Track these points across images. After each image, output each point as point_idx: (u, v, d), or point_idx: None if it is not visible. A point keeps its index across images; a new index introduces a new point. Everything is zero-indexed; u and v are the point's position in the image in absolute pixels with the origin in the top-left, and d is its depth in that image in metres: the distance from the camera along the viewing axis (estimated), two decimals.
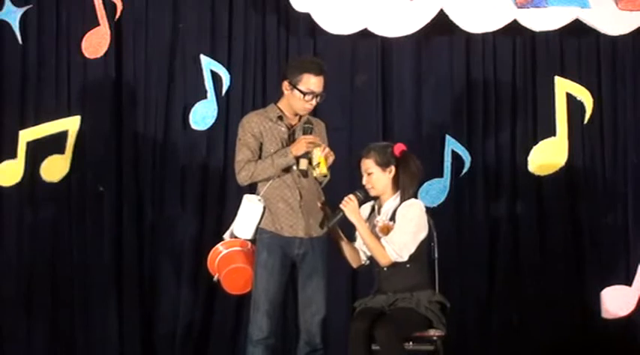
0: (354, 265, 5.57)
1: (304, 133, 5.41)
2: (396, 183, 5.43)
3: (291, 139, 5.43)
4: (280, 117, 5.45)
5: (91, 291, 6.72)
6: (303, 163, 5.37)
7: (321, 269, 5.44)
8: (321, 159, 5.33)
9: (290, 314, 5.75)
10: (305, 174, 5.40)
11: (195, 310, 6.70)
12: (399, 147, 5.45)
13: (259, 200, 5.39)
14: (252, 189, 5.55)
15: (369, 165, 5.43)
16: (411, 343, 5.34)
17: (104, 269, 6.73)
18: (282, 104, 5.48)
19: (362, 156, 5.47)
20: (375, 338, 5.18)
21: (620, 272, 6.66)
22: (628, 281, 6.65)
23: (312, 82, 5.40)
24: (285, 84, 5.45)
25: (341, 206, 5.36)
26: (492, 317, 6.68)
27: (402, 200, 5.39)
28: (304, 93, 5.39)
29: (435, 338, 5.36)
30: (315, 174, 5.39)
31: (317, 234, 5.44)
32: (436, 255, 5.59)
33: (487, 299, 6.69)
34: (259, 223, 5.39)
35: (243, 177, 5.39)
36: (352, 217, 5.36)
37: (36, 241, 6.74)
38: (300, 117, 5.49)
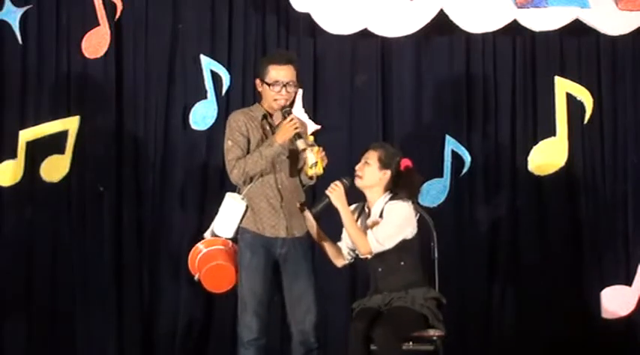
0: (338, 265, 5.58)
1: (283, 117, 5.34)
2: (387, 188, 5.44)
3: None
4: (265, 116, 5.43)
5: (91, 291, 6.72)
6: (302, 143, 5.28)
7: (307, 268, 5.40)
8: (319, 158, 5.29)
9: (282, 316, 5.72)
10: (303, 153, 5.28)
11: (195, 310, 6.70)
12: (405, 162, 5.47)
13: (242, 199, 5.36)
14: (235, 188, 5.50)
15: (371, 156, 5.46)
16: (410, 343, 5.34)
17: (104, 269, 6.73)
18: (264, 104, 5.46)
19: (370, 146, 5.51)
20: (373, 338, 5.19)
21: (620, 272, 6.66)
22: (628, 281, 6.65)
23: (276, 73, 5.37)
24: (257, 82, 5.44)
25: (327, 192, 5.36)
26: (492, 317, 6.68)
27: (392, 198, 5.41)
28: (270, 85, 5.37)
29: (434, 338, 5.37)
30: (310, 173, 5.32)
31: (299, 234, 5.42)
32: (436, 255, 5.60)
33: (487, 299, 6.69)
34: (240, 222, 5.36)
35: (236, 175, 5.35)
36: (338, 203, 5.36)
37: (36, 241, 6.74)
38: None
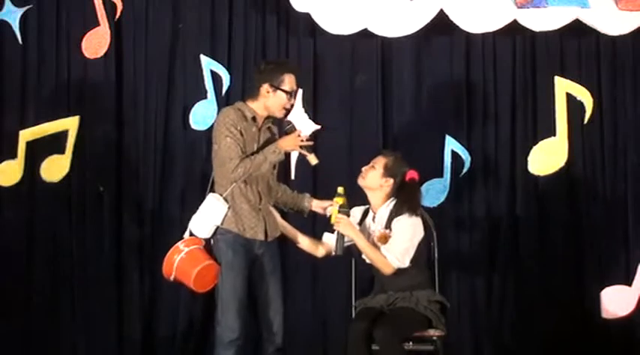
0: (319, 255, 5.60)
1: (285, 133, 5.41)
2: (390, 196, 5.47)
3: (260, 140, 5.41)
4: (254, 118, 5.42)
5: (91, 291, 6.72)
6: (313, 158, 5.38)
7: (279, 270, 5.44)
8: (334, 211, 5.39)
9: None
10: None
11: (195, 310, 6.70)
12: (411, 174, 5.51)
13: (225, 200, 5.36)
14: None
15: (379, 161, 5.52)
16: (410, 343, 5.35)
17: (104, 269, 6.73)
18: (255, 106, 5.43)
19: (382, 152, 5.60)
20: (375, 338, 5.20)
21: (619, 272, 6.66)
22: (628, 281, 6.64)
23: (293, 81, 5.41)
24: (266, 86, 5.39)
25: (335, 227, 5.40)
26: (492, 317, 6.68)
27: (396, 208, 5.43)
28: (288, 93, 5.39)
29: (434, 338, 5.37)
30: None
31: (276, 234, 5.46)
32: (436, 255, 5.60)
33: (487, 299, 6.69)
34: (222, 223, 5.35)
35: (238, 175, 5.31)
36: (349, 232, 5.40)
37: (36, 241, 6.75)
38: (267, 119, 5.46)
